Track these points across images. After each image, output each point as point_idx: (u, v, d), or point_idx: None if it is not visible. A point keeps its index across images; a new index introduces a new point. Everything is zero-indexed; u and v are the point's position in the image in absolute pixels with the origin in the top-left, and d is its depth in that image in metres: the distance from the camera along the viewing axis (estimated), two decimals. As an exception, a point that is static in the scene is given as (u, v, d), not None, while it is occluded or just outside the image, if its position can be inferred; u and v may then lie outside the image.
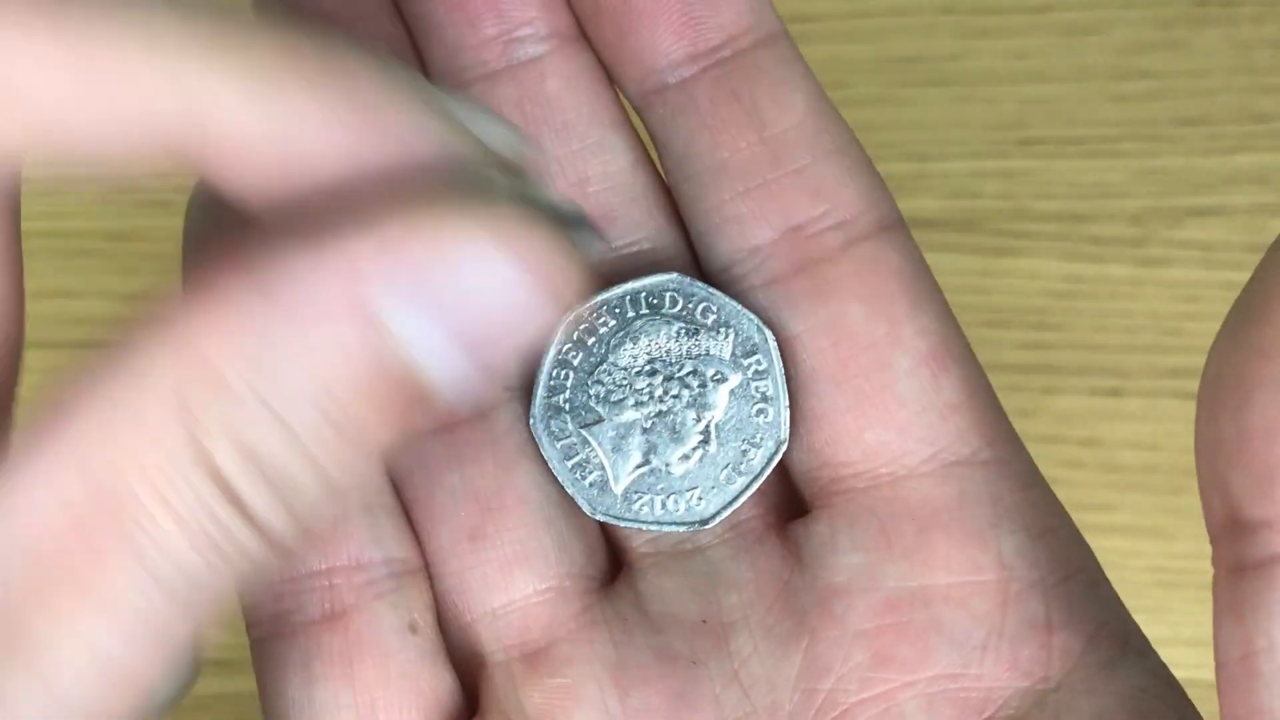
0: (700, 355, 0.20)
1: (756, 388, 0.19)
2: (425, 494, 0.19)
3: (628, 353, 0.20)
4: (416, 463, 0.19)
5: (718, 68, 0.19)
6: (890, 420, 0.19)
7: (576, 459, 0.20)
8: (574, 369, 0.20)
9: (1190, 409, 0.37)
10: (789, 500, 0.20)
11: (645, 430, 0.20)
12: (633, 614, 0.19)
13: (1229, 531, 0.15)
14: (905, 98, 0.37)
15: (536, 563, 0.19)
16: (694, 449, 0.20)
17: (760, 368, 0.19)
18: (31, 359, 0.38)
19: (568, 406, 0.20)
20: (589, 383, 0.20)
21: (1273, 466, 0.14)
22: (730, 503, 0.19)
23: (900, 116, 0.37)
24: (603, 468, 0.20)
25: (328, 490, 0.14)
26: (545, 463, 0.20)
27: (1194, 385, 0.38)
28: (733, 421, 0.20)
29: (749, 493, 0.19)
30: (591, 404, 0.20)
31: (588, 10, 0.19)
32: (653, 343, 0.20)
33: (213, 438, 0.13)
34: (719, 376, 0.20)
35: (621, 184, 0.20)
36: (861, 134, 0.38)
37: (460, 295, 0.13)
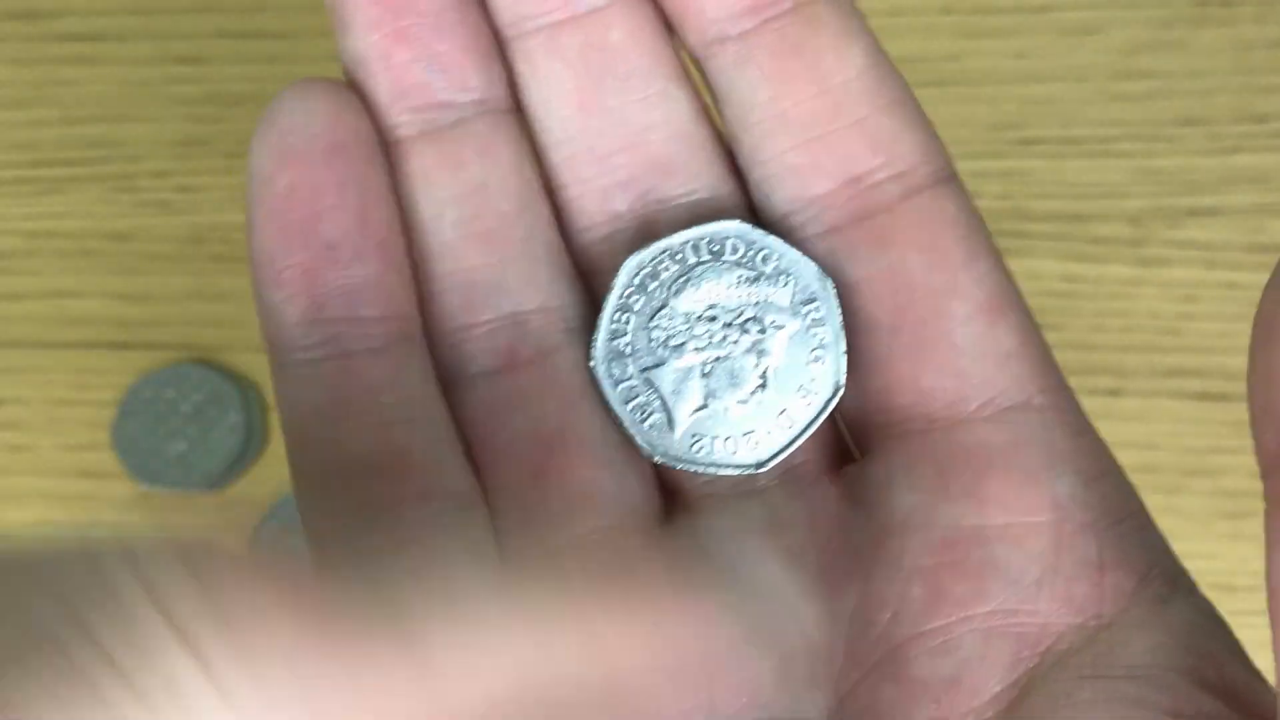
0: (760, 302, 0.20)
1: (814, 334, 0.20)
2: (489, 433, 0.20)
3: (688, 298, 0.20)
4: (480, 404, 0.20)
5: (778, 20, 0.19)
6: (947, 366, 0.19)
7: (637, 401, 0.20)
8: (635, 313, 0.20)
9: (1190, 409, 0.38)
10: (843, 446, 0.20)
11: (704, 374, 0.20)
12: (692, 551, 0.19)
13: None
14: (905, 98, 0.37)
15: (597, 501, 0.19)
16: (751, 393, 0.20)
17: (818, 315, 0.20)
18: (32, 359, 0.38)
19: (629, 350, 0.20)
20: (649, 327, 0.20)
21: None
22: (786, 446, 0.20)
23: (900, 116, 0.37)
24: (663, 410, 0.20)
25: None
26: (605, 405, 0.20)
27: (1193, 385, 0.38)
28: (790, 367, 0.20)
29: (805, 436, 0.20)
30: (653, 348, 0.20)
31: None
32: (713, 289, 0.20)
33: None
34: (777, 323, 0.20)
35: (684, 133, 0.20)
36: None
37: None
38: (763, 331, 0.20)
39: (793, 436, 0.20)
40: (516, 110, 0.20)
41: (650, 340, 0.20)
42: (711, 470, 0.20)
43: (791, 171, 0.20)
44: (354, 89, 0.20)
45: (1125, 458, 0.35)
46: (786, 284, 0.20)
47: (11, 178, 0.37)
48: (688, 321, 0.20)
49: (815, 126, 0.19)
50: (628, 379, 0.20)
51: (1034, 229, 0.36)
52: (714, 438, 0.20)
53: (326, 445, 0.19)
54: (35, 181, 0.37)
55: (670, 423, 0.20)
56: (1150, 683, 0.17)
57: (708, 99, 0.20)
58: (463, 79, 0.20)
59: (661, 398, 0.20)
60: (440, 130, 0.20)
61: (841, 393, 0.20)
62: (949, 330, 0.19)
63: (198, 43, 0.37)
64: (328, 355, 0.19)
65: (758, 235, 0.20)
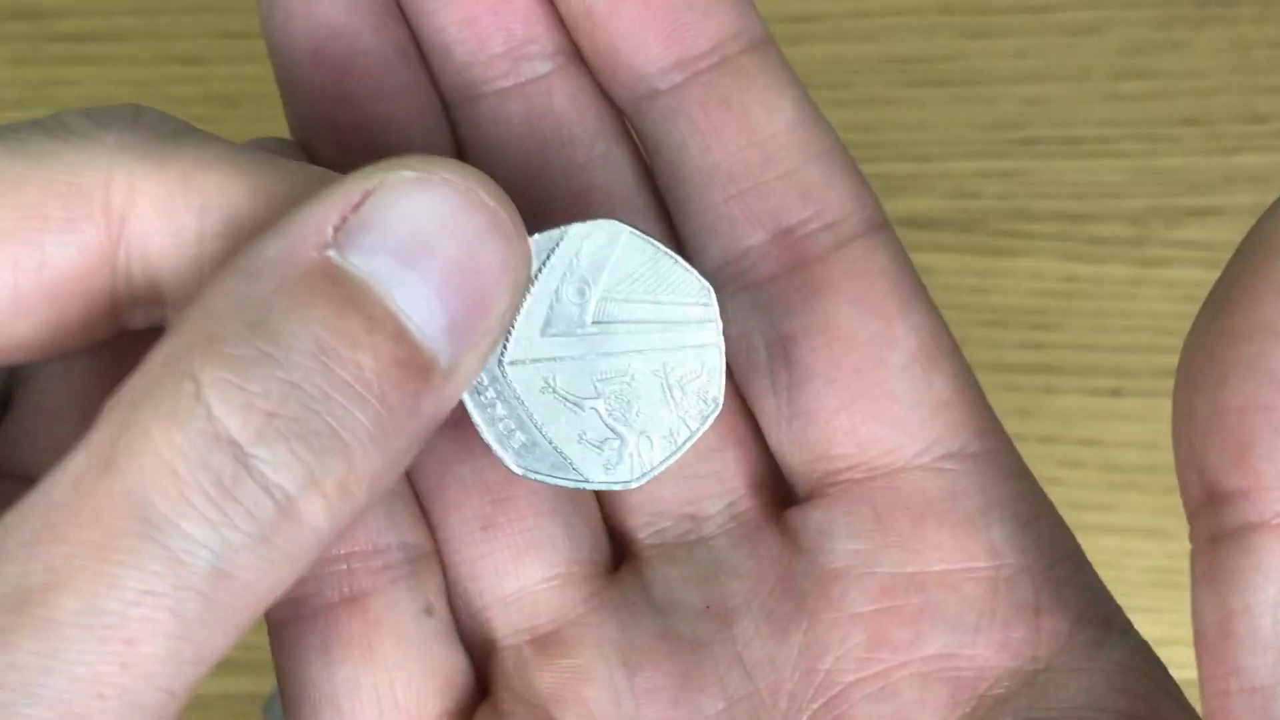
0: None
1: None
2: (437, 485, 0.20)
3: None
4: (429, 455, 0.20)
5: (707, 73, 0.19)
6: (884, 415, 0.19)
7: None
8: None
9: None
10: (784, 492, 0.21)
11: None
12: (639, 599, 0.20)
13: (1206, 505, 0.15)
14: (905, 98, 0.37)
15: (545, 550, 0.20)
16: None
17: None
18: (32, 359, 0.38)
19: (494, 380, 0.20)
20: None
21: (1246, 441, 0.15)
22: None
23: (900, 116, 0.37)
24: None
25: (344, 451, 0.15)
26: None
27: (1194, 385, 0.38)
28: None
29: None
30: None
31: (580, 21, 0.20)
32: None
33: (216, 400, 0.14)
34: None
35: (625, 195, 0.20)
36: (861, 134, 0.38)
37: (404, 225, 0.15)
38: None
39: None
40: None
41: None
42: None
43: (724, 222, 0.20)
44: (304, 150, 0.20)
45: (1125, 458, 0.35)
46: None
47: (11, 178, 0.37)
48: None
49: (746, 178, 0.20)
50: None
51: (1034, 229, 0.36)
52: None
53: None
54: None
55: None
56: None
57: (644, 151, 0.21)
58: (405, 140, 0.20)
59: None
60: None
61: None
62: (884, 379, 0.19)
63: (198, 43, 0.37)
64: None
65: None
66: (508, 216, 0.16)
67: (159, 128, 0.17)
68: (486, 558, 0.20)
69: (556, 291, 0.19)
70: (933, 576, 0.19)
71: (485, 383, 0.19)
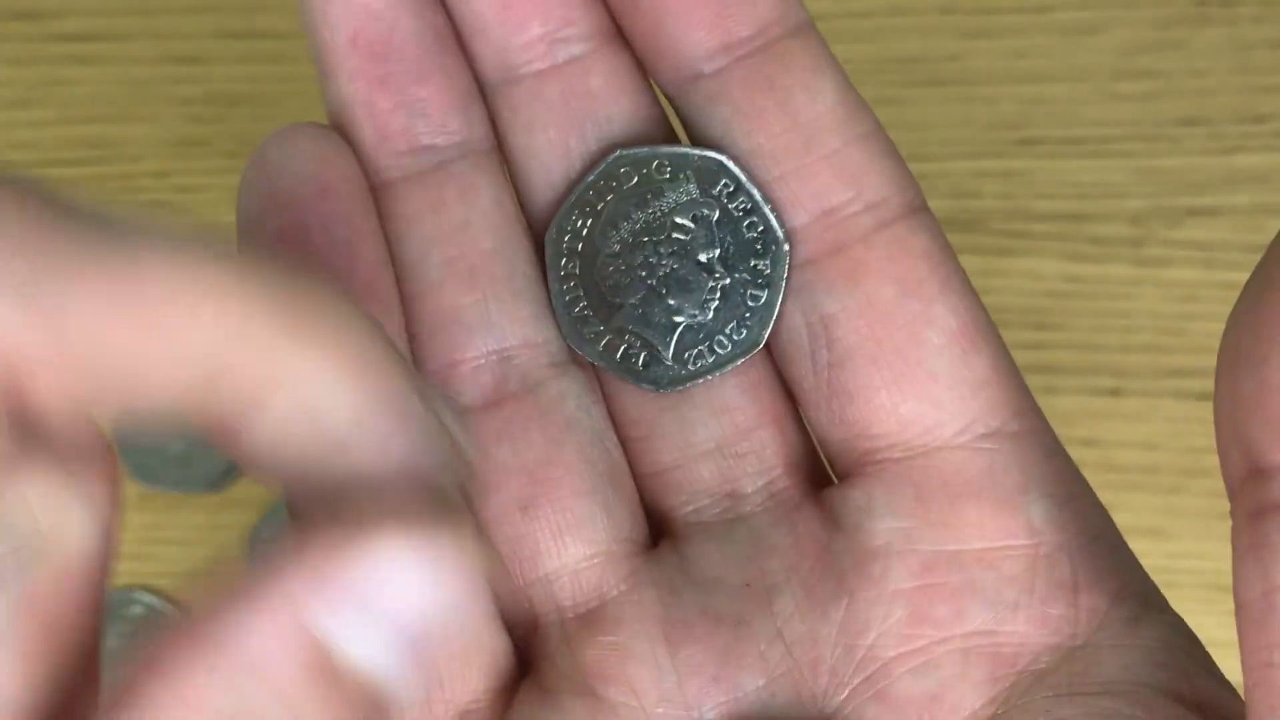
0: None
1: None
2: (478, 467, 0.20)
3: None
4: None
5: (750, 57, 0.20)
6: (924, 394, 0.19)
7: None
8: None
9: (1190, 409, 0.38)
10: (822, 471, 0.21)
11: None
12: (679, 577, 0.20)
13: (1249, 480, 0.16)
14: (905, 98, 0.37)
15: (585, 529, 0.20)
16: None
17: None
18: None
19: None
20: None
21: None
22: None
23: (900, 116, 0.37)
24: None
25: None
26: (592, 434, 0.20)
27: (1194, 385, 0.38)
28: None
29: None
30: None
31: (624, 5, 0.20)
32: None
33: None
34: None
35: None
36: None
37: (392, 604, 0.14)
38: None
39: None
40: (498, 149, 0.21)
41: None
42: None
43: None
44: (339, 133, 0.20)
45: (1125, 458, 0.35)
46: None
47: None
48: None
49: (788, 161, 0.20)
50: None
51: (1034, 229, 0.36)
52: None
53: (322, 480, 0.19)
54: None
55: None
56: (1125, 698, 0.18)
57: (684, 136, 0.21)
58: (443, 123, 0.20)
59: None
60: (423, 173, 0.20)
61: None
62: (925, 359, 0.20)
63: (198, 43, 0.37)
64: None
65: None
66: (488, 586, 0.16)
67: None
68: (526, 537, 0.20)
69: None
70: (973, 554, 0.19)
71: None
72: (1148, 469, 0.35)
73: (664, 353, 0.20)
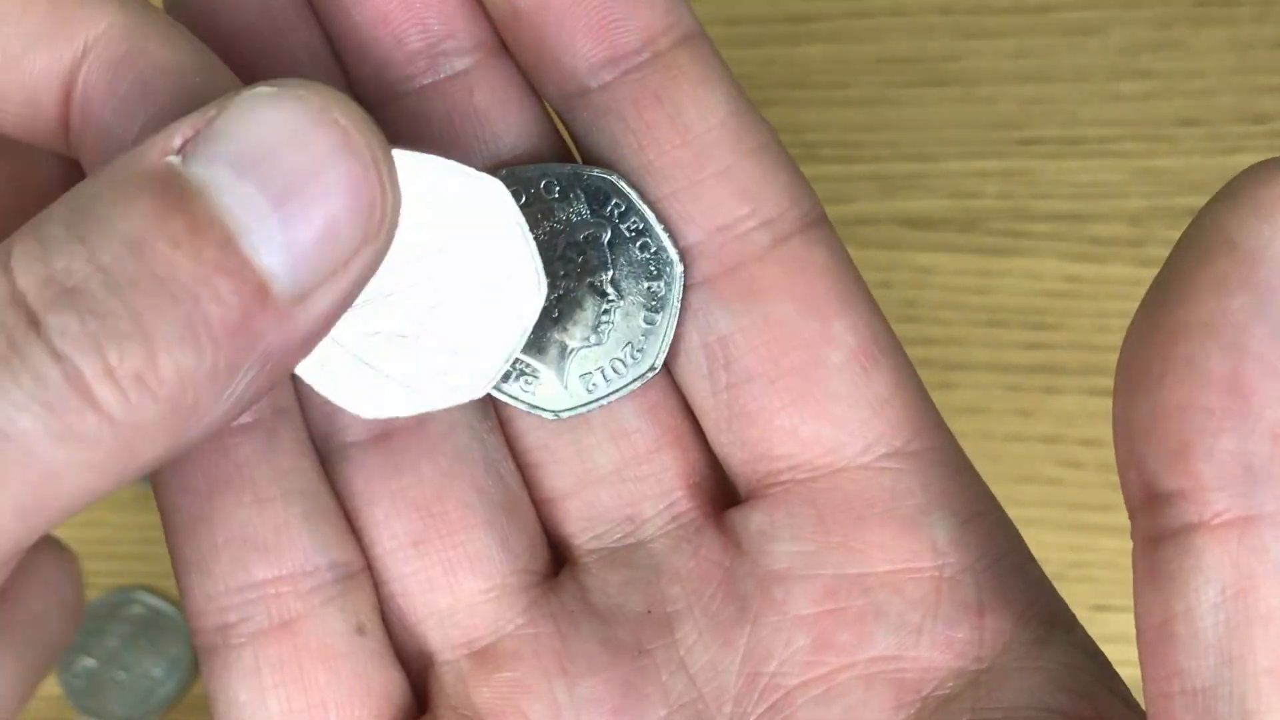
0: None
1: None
2: (366, 503, 0.20)
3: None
4: (356, 472, 0.20)
5: (638, 70, 0.19)
6: (825, 415, 0.19)
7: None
8: None
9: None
10: (725, 490, 0.20)
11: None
12: (578, 607, 0.20)
13: (1146, 505, 0.15)
14: (905, 98, 0.37)
15: (480, 564, 0.20)
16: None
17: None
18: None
19: None
20: None
21: (1185, 442, 0.15)
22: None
23: (900, 116, 0.37)
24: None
25: (145, 342, 0.14)
26: (485, 464, 0.20)
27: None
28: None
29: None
30: None
31: (506, 18, 0.19)
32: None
33: (20, 269, 0.14)
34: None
35: None
36: (861, 134, 0.38)
37: (247, 137, 0.15)
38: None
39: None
40: None
41: None
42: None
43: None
44: None
45: (1125, 458, 0.35)
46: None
47: (11, 178, 0.37)
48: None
49: (680, 177, 0.19)
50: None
51: (1034, 229, 0.36)
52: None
53: (202, 525, 0.19)
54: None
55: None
56: None
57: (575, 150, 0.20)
58: None
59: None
60: None
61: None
62: (825, 379, 0.19)
63: (198, 43, 0.37)
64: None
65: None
66: (365, 140, 0.15)
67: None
68: (419, 574, 0.20)
69: None
70: (876, 577, 0.19)
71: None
72: (1148, 469, 0.35)
73: (557, 379, 0.20)
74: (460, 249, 0.19)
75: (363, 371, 0.19)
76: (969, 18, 0.37)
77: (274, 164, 0.15)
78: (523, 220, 0.19)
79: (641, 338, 0.20)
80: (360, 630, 0.19)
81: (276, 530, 0.19)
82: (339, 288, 0.15)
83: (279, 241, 0.15)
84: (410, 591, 0.20)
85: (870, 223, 0.36)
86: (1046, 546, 0.35)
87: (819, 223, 0.20)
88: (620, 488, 0.20)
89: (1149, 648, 0.15)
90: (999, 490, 0.20)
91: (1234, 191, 0.15)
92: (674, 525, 0.20)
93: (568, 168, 0.20)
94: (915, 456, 0.19)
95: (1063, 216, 0.36)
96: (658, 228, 0.19)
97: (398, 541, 0.20)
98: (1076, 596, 0.35)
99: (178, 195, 0.15)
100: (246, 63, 0.19)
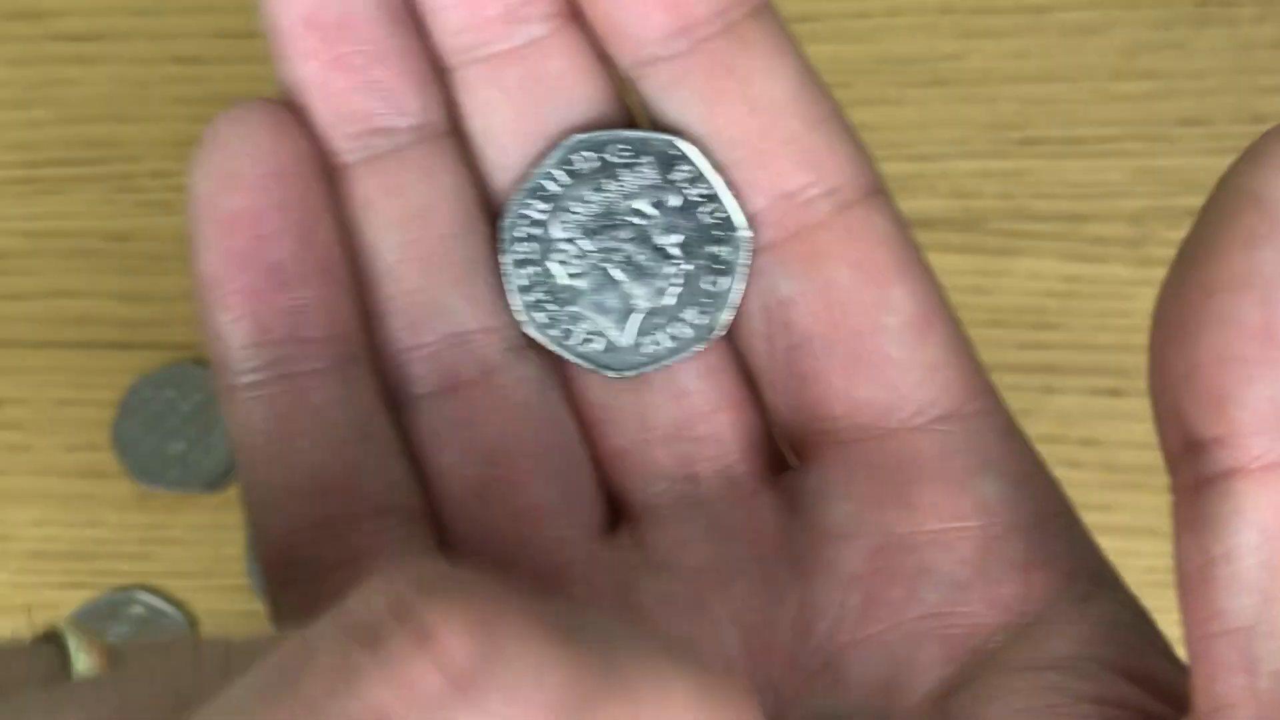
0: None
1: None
2: (435, 452, 0.20)
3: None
4: (426, 424, 0.20)
5: (709, 41, 0.20)
6: (879, 378, 0.20)
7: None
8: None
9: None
10: (778, 455, 0.21)
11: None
12: (636, 561, 0.20)
13: (1185, 455, 0.16)
14: (905, 98, 0.37)
15: (542, 514, 0.20)
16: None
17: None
18: (32, 359, 0.38)
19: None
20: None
21: (1221, 391, 0.15)
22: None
23: (900, 116, 0.37)
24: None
25: None
26: (549, 419, 0.20)
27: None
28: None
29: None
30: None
31: None
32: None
33: None
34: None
35: None
36: (861, 134, 0.38)
37: None
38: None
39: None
40: (456, 133, 0.21)
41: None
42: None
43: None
44: (292, 109, 0.20)
45: (1125, 458, 0.35)
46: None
47: (11, 178, 0.37)
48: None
49: (747, 145, 0.20)
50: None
51: (1034, 229, 0.36)
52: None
53: (277, 465, 0.20)
54: (35, 181, 0.37)
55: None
56: (1071, 672, 0.18)
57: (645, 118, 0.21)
58: (402, 104, 0.20)
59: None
60: (381, 155, 0.20)
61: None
62: (881, 344, 0.20)
63: (198, 43, 0.37)
64: (274, 376, 0.19)
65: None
66: None
67: None
68: (484, 522, 0.20)
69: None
70: (926, 536, 0.19)
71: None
72: (1148, 469, 0.34)
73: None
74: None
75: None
76: (969, 18, 0.37)
77: None
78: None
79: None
80: None
81: (347, 471, 0.19)
82: None
83: None
84: (477, 541, 0.20)
85: (870, 223, 0.36)
86: (1046, 546, 0.35)
87: (879, 192, 0.20)
88: (678, 446, 0.20)
89: (1191, 592, 0.16)
90: (999, 490, 0.20)
91: (1258, 151, 0.15)
92: (729, 485, 0.20)
93: (637, 134, 0.20)
94: (966, 420, 0.20)
95: (1063, 216, 0.36)
96: (725, 193, 0.20)
97: (464, 490, 0.20)
98: (1076, 596, 0.35)
99: None
100: (331, 27, 0.19)
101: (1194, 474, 0.16)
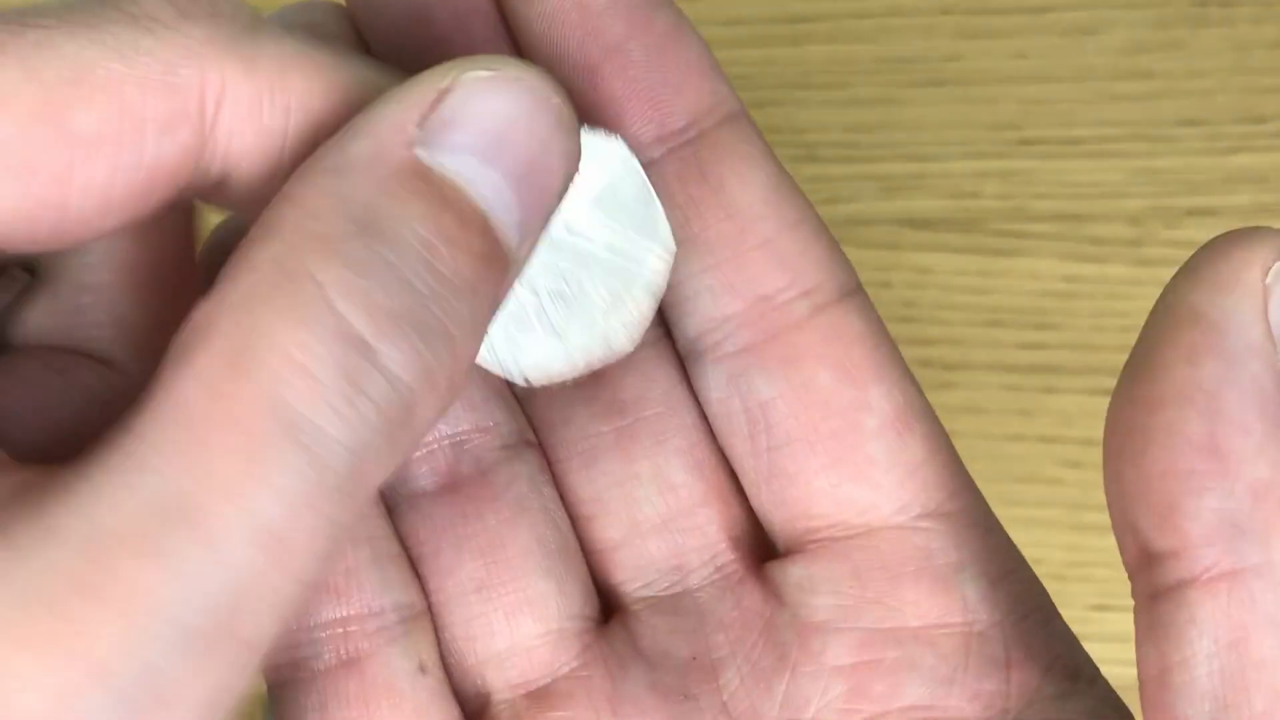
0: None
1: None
2: (431, 550, 0.21)
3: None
4: (423, 520, 0.21)
5: (684, 148, 0.20)
6: (861, 477, 0.20)
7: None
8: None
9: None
10: (764, 543, 0.21)
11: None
12: (628, 652, 0.20)
13: (1142, 565, 0.17)
14: (905, 98, 0.37)
15: (538, 608, 0.20)
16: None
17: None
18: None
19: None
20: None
21: (1171, 504, 0.16)
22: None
23: (900, 116, 0.37)
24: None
25: (451, 345, 0.15)
26: (543, 514, 0.21)
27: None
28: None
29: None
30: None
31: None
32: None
33: (344, 301, 0.15)
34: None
35: None
36: (861, 134, 0.38)
37: (483, 124, 0.16)
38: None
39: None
40: None
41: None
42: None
43: (703, 292, 0.20)
44: None
45: (1125, 458, 0.35)
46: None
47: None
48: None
49: (724, 249, 0.20)
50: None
51: (1034, 229, 0.36)
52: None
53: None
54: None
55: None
56: None
57: None
58: (460, 26, 0.20)
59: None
60: None
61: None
62: (861, 443, 0.20)
63: (198, 43, 0.37)
64: None
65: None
66: (570, 114, 0.17)
67: (236, 18, 0.17)
68: (481, 617, 0.20)
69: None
70: (909, 631, 0.20)
71: None
72: (1147, 469, 0.35)
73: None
74: (588, 209, 0.19)
75: (527, 333, 0.20)
76: (969, 18, 0.37)
77: (513, 150, 0.16)
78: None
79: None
80: (422, 669, 0.20)
81: (346, 573, 0.20)
82: (538, 240, 0.17)
83: (516, 218, 0.16)
84: (473, 634, 0.20)
85: (870, 223, 0.36)
86: (1046, 546, 0.35)
87: (855, 292, 0.21)
88: (667, 539, 0.21)
89: (1150, 698, 0.16)
90: (999, 490, 0.21)
91: (1196, 266, 0.16)
92: (718, 576, 0.21)
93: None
94: (948, 517, 0.20)
95: (1062, 216, 0.36)
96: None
97: (462, 587, 0.20)
98: (1076, 596, 0.35)
99: (438, 191, 0.16)
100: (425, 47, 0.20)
101: (1151, 584, 0.16)
